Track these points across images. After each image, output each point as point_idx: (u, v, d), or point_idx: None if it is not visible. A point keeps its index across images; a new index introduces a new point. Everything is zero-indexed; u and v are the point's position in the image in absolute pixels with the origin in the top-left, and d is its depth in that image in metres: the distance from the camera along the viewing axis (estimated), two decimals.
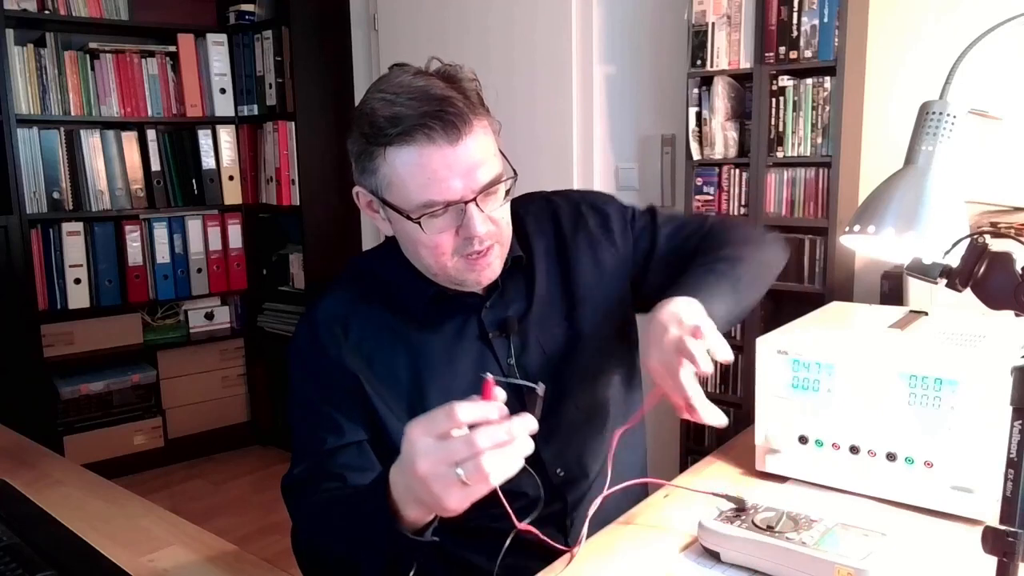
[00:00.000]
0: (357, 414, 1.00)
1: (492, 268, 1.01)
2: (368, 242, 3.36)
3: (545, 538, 0.95)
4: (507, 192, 1.00)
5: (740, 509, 0.94)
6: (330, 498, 0.96)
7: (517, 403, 1.06)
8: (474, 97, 0.97)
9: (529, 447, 0.76)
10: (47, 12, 2.97)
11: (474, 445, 0.72)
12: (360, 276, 1.11)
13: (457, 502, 0.75)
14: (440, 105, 0.91)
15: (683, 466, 2.25)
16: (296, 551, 1.01)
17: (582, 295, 1.13)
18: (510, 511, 0.90)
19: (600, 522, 1.03)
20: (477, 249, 0.97)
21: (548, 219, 1.16)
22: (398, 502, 0.81)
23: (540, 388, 0.83)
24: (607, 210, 1.19)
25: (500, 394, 0.77)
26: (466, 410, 0.74)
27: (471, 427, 0.74)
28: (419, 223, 0.94)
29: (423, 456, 0.74)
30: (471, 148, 0.93)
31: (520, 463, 0.75)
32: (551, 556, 0.97)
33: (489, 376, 0.78)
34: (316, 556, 0.98)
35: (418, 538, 0.82)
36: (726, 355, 0.93)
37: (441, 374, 1.03)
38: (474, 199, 0.94)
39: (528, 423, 0.75)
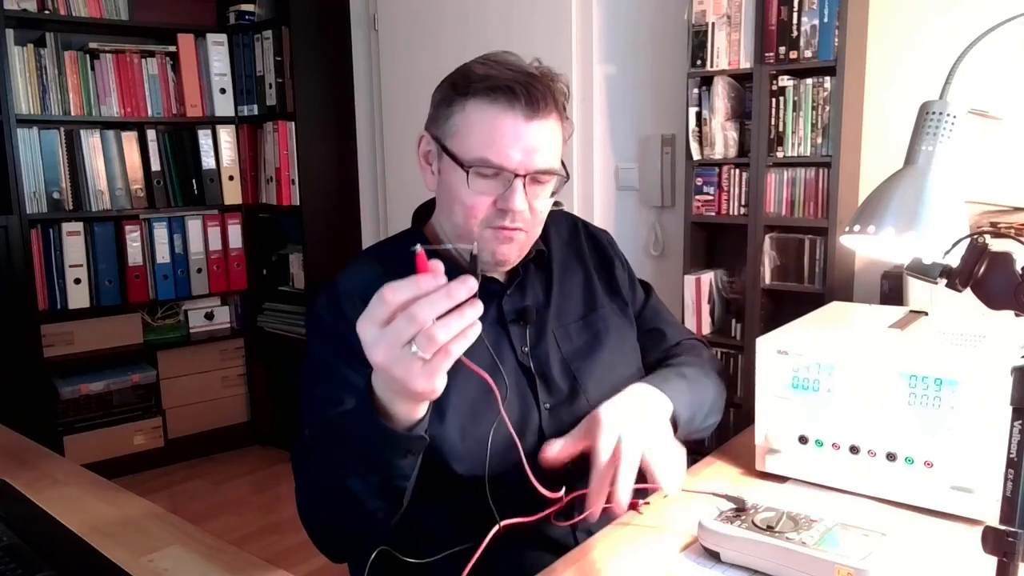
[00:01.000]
0: None
1: (512, 251, 1.05)
2: (368, 242, 3.36)
3: (523, 519, 0.93)
4: (554, 192, 1.05)
5: (740, 509, 0.94)
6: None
7: (528, 386, 1.07)
8: (560, 98, 1.02)
9: (478, 308, 0.73)
10: (47, 12, 2.97)
11: (416, 319, 0.71)
12: (378, 258, 1.13)
13: (424, 380, 0.73)
14: (530, 80, 0.98)
15: None
16: (300, 514, 0.99)
17: (600, 302, 1.19)
18: (539, 487, 0.91)
19: (600, 522, 1.03)
20: (508, 225, 1.01)
21: (568, 228, 1.23)
22: (383, 403, 0.80)
23: (475, 247, 0.83)
24: (616, 253, 1.27)
25: (436, 265, 0.74)
26: (398, 289, 0.72)
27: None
28: (467, 173, 0.98)
29: (374, 347, 0.73)
30: (540, 132, 0.99)
31: (475, 326, 0.73)
32: (562, 550, 0.98)
33: (419, 247, 0.75)
34: (318, 504, 0.97)
35: (403, 432, 0.81)
36: (670, 490, 0.95)
37: None
38: (524, 176, 0.99)
39: (469, 283, 0.72)
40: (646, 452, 0.92)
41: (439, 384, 0.75)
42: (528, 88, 0.97)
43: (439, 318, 0.71)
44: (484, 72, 0.99)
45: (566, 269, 1.18)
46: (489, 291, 1.10)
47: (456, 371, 1.02)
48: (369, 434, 0.82)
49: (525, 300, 1.12)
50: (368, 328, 0.74)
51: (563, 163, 1.05)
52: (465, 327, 0.72)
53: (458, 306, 0.72)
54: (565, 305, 1.16)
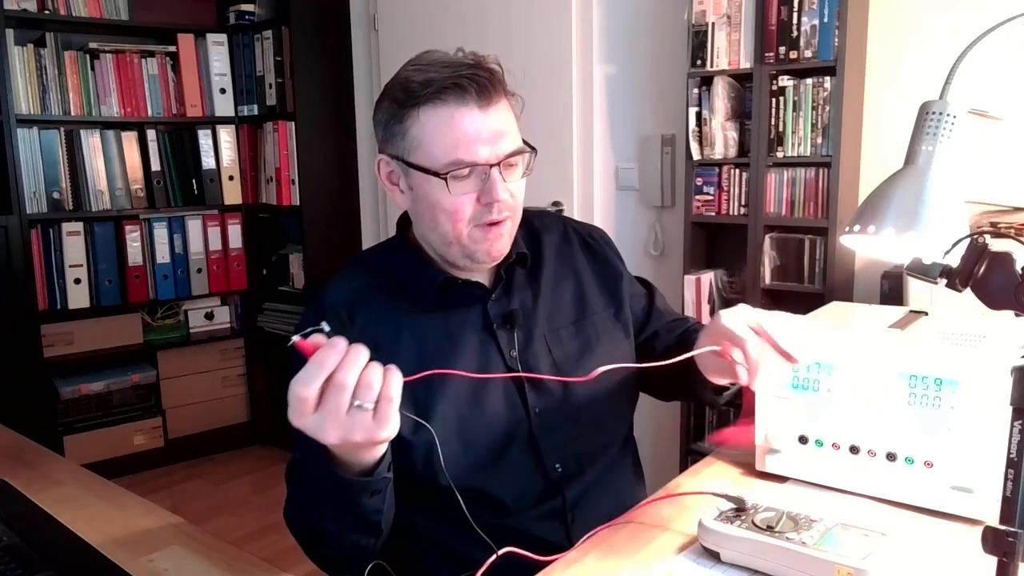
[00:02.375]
0: None
1: (503, 241, 1.05)
2: (368, 241, 3.36)
3: (530, 554, 0.93)
4: (527, 169, 1.04)
5: (740, 509, 0.93)
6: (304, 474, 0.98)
7: (517, 390, 1.07)
8: (499, 76, 1.02)
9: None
10: (47, 12, 2.97)
11: (345, 384, 0.75)
12: (364, 268, 1.14)
13: (382, 428, 0.77)
14: (473, 70, 0.98)
15: (683, 466, 2.25)
16: (292, 533, 1.02)
17: (592, 308, 1.17)
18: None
19: (601, 519, 1.04)
20: (495, 218, 1.01)
21: (559, 234, 1.21)
22: (343, 458, 0.84)
23: (325, 326, 0.82)
24: (612, 249, 1.26)
25: (320, 339, 0.78)
26: (307, 381, 0.76)
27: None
28: (446, 179, 0.98)
29: (322, 430, 0.77)
30: (498, 116, 0.99)
31: (392, 368, 0.78)
32: (554, 551, 0.98)
33: (294, 339, 0.79)
34: (302, 533, 1.00)
35: (365, 478, 0.85)
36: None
37: (444, 363, 1.04)
38: (498, 164, 0.99)
39: (352, 346, 0.77)
40: (766, 327, 0.96)
41: (394, 426, 0.79)
42: (473, 79, 0.97)
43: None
44: (423, 78, 0.98)
45: (557, 274, 1.17)
46: (473, 297, 1.09)
47: (442, 381, 1.02)
48: (336, 484, 0.86)
49: (511, 304, 1.11)
50: (304, 420, 0.78)
51: (525, 141, 1.04)
52: (385, 371, 0.77)
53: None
54: (556, 310, 1.14)
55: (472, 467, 1.02)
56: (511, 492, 1.05)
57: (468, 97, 0.96)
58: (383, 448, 0.85)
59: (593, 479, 1.11)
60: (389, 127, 1.02)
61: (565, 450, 1.09)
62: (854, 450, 1.05)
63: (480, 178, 0.99)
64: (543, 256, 1.16)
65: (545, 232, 1.19)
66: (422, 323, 1.06)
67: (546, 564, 0.93)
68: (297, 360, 0.78)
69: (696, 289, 2.27)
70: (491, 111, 0.98)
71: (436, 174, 0.98)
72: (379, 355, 1.01)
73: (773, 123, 2.08)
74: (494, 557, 0.91)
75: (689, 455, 2.27)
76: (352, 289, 1.09)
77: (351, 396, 0.76)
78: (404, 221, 1.15)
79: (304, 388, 0.76)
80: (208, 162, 3.37)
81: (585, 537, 0.99)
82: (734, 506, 0.94)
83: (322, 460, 0.84)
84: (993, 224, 1.68)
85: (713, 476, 1.15)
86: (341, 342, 0.77)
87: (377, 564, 0.97)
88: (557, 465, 1.08)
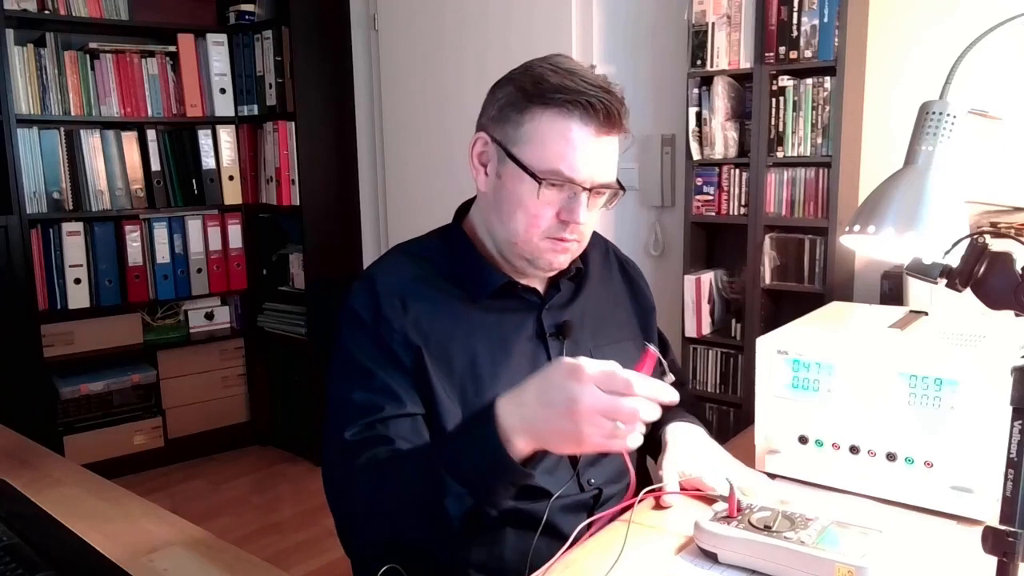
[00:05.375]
0: (415, 387, 1.01)
1: (566, 257, 1.07)
2: (368, 241, 3.37)
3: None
4: (608, 202, 1.07)
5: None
6: (396, 451, 0.96)
7: None
8: (625, 111, 1.03)
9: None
10: (47, 12, 2.97)
11: (636, 412, 0.79)
12: (415, 257, 1.12)
13: (588, 448, 0.82)
14: (609, 97, 0.99)
15: None
16: (344, 525, 1.00)
17: (628, 332, 1.22)
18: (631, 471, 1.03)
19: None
20: (567, 237, 1.03)
21: (600, 248, 1.25)
22: (508, 432, 0.84)
23: (652, 348, 0.90)
24: (648, 289, 1.33)
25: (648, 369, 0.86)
26: (640, 386, 0.80)
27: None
28: (540, 184, 0.99)
29: (588, 405, 0.79)
30: (609, 148, 1.02)
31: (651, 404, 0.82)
32: (559, 538, 0.98)
33: (651, 347, 0.89)
34: (375, 518, 0.96)
35: (524, 468, 0.86)
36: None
37: (495, 364, 1.05)
38: (591, 190, 1.01)
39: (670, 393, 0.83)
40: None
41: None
42: (605, 104, 0.98)
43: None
44: (558, 82, 0.98)
45: (601, 291, 1.20)
46: (529, 303, 1.11)
47: (492, 381, 1.03)
48: (492, 465, 0.86)
49: (564, 315, 1.13)
50: (591, 388, 0.80)
51: (618, 180, 1.06)
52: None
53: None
54: (600, 327, 1.17)
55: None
56: (546, 485, 1.05)
57: (592, 119, 0.98)
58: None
59: (625, 482, 1.11)
60: (504, 111, 1.02)
61: (598, 468, 1.11)
62: (854, 450, 1.05)
63: (568, 195, 1.01)
64: (588, 272, 1.19)
65: (591, 249, 1.20)
66: (475, 323, 1.07)
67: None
68: None
69: (696, 289, 2.27)
70: (605, 139, 1.00)
71: (533, 176, 0.99)
72: (429, 351, 1.02)
73: (773, 123, 2.08)
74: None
75: None
76: (405, 278, 1.08)
77: (626, 418, 0.80)
78: (461, 211, 1.15)
79: (638, 387, 0.80)
80: (208, 162, 3.37)
81: (586, 536, 0.99)
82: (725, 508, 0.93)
83: (493, 433, 0.85)
84: (993, 224, 1.68)
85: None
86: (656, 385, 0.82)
87: (392, 568, 0.96)
88: (591, 479, 1.10)
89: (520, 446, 0.84)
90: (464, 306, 1.07)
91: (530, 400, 0.84)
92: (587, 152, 0.98)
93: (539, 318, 1.11)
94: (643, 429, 0.81)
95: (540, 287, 1.12)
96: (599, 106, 0.97)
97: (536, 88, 0.99)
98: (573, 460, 1.09)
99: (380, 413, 0.98)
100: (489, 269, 1.09)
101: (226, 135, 3.39)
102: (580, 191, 1.00)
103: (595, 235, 1.26)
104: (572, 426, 0.80)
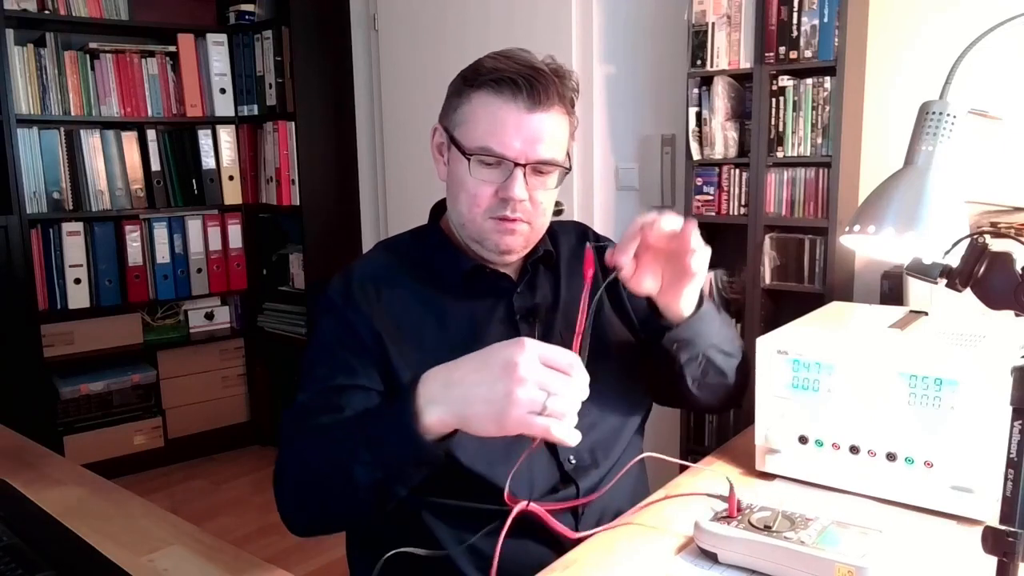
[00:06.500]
0: (373, 367, 1.03)
1: (516, 242, 1.07)
2: (368, 242, 3.36)
3: (552, 520, 0.96)
4: (557, 183, 1.07)
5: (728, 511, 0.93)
6: (331, 419, 0.98)
7: None
8: (567, 93, 1.06)
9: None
10: (47, 12, 2.97)
11: (571, 392, 0.79)
12: (393, 251, 1.17)
13: (510, 423, 0.79)
14: (535, 74, 1.02)
15: (683, 466, 2.25)
16: (278, 480, 0.99)
17: (606, 309, 1.20)
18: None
19: (612, 512, 1.06)
20: (508, 215, 1.04)
21: (577, 236, 1.25)
22: (424, 404, 0.84)
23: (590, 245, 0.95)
24: None
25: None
26: (579, 370, 0.81)
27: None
28: (469, 160, 1.02)
29: (526, 368, 0.78)
30: (543, 123, 1.02)
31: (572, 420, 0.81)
32: (554, 543, 0.98)
33: (589, 245, 0.94)
34: (300, 479, 0.97)
35: (435, 446, 0.85)
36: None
37: (468, 349, 1.04)
38: (524, 166, 1.02)
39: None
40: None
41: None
42: (531, 81, 1.01)
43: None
44: (492, 65, 1.03)
45: (573, 275, 1.20)
46: (500, 288, 1.12)
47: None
48: (398, 437, 0.85)
49: (535, 299, 1.14)
50: (533, 358, 0.79)
51: (568, 157, 1.07)
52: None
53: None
54: (573, 309, 1.15)
55: (486, 457, 1.02)
56: (523, 484, 1.05)
57: (519, 95, 1.01)
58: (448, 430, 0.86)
59: (606, 471, 1.12)
60: (450, 99, 1.08)
61: (579, 444, 1.09)
62: (854, 450, 1.05)
63: (505, 172, 1.03)
64: (560, 256, 1.20)
65: (562, 233, 1.23)
66: (447, 309, 1.09)
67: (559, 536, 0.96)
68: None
69: None
70: (537, 114, 1.02)
71: (464, 153, 1.03)
72: (401, 336, 1.04)
73: (773, 123, 2.08)
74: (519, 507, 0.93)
75: (689, 455, 2.27)
76: (381, 266, 1.13)
77: (558, 395, 0.79)
78: (437, 210, 1.19)
79: (578, 370, 0.81)
80: (208, 162, 3.37)
81: (587, 533, 0.99)
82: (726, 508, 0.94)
83: (406, 408, 0.84)
84: (993, 224, 1.68)
85: (713, 476, 1.15)
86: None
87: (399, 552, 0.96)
88: (571, 457, 1.09)
89: (432, 419, 0.83)
90: (437, 293, 1.10)
91: (465, 364, 0.84)
92: (517, 128, 1.01)
93: (510, 302, 1.12)
94: (573, 422, 0.80)
95: (513, 273, 1.14)
96: (522, 83, 1.00)
97: (473, 74, 1.05)
98: (549, 445, 1.07)
99: (334, 381, 1.01)
100: (459, 255, 1.12)
101: (226, 135, 3.39)
102: (513, 167, 1.02)
103: (571, 221, 1.29)
104: (503, 388, 0.78)
